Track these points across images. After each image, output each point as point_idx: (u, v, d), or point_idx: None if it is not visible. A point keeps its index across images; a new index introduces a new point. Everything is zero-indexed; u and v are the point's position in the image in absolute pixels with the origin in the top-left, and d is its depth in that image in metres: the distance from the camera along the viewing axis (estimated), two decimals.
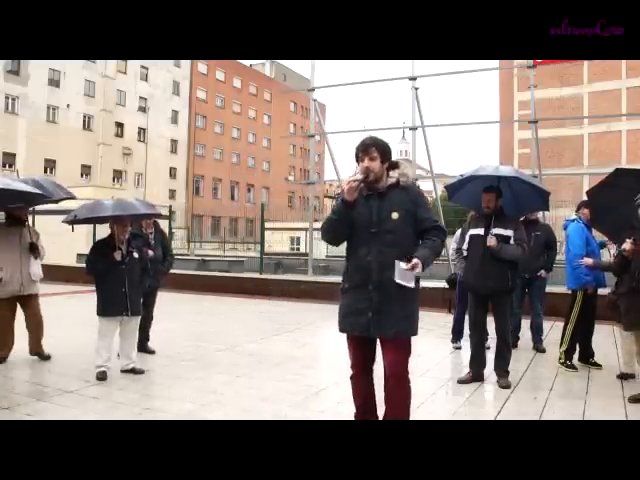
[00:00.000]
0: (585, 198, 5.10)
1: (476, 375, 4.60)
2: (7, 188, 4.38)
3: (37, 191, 4.65)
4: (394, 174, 2.86)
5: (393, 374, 2.84)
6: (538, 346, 5.91)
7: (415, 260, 2.63)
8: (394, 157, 2.96)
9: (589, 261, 4.83)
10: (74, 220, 4.75)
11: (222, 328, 7.40)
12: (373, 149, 2.80)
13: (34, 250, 5.13)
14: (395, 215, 2.78)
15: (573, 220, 5.18)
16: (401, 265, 2.63)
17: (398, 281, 2.64)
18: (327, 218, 2.88)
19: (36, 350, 5.22)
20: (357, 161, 2.84)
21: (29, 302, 5.21)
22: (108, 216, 4.71)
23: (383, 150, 2.83)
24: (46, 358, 5.20)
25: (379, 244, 2.75)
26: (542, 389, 4.42)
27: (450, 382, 4.70)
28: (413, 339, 2.90)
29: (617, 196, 4.34)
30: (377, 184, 2.83)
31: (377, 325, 2.76)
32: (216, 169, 48.65)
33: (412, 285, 2.67)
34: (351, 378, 2.99)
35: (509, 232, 4.48)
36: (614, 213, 4.47)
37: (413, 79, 11.17)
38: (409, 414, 2.92)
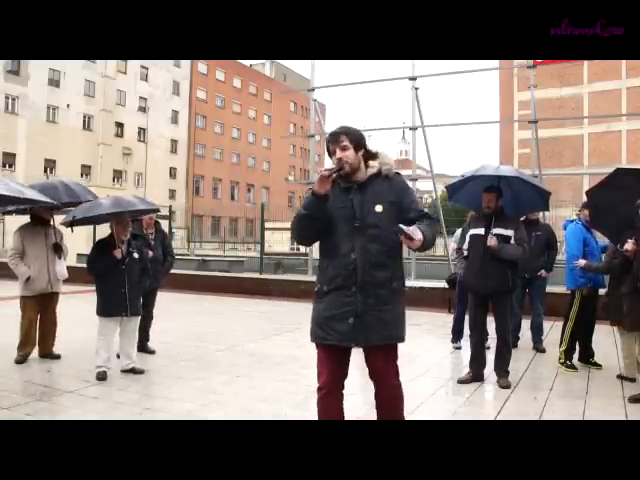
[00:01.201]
0: (585, 199, 5.10)
1: (476, 375, 4.60)
2: (17, 196, 4.39)
3: (45, 199, 4.66)
4: (374, 164, 2.58)
5: (384, 385, 2.59)
6: (538, 346, 5.91)
7: (413, 227, 2.36)
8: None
9: (581, 262, 4.86)
10: (73, 221, 4.77)
11: (222, 328, 7.40)
12: (343, 137, 2.50)
13: (57, 250, 5.23)
14: (379, 208, 2.49)
15: (572, 221, 5.20)
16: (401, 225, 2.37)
17: (402, 226, 2.35)
18: (296, 214, 2.55)
19: (49, 351, 5.26)
20: (330, 156, 2.55)
21: (51, 301, 5.30)
22: (106, 214, 4.71)
23: (355, 138, 2.52)
24: (57, 357, 5.24)
25: (363, 239, 2.46)
26: (542, 389, 4.42)
27: (450, 382, 4.70)
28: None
29: (617, 196, 4.33)
30: (355, 175, 2.54)
31: (360, 332, 2.45)
32: (216, 169, 48.67)
33: (419, 237, 2.33)
34: (320, 399, 2.59)
35: (509, 232, 4.49)
36: (614, 213, 4.47)
37: (413, 79, 11.18)
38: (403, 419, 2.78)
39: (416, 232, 2.35)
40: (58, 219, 5.29)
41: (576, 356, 5.17)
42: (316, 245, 2.70)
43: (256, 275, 12.15)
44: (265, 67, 57.88)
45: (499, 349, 4.60)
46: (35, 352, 5.22)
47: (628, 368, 4.67)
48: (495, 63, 29.74)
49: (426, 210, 2.60)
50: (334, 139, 2.52)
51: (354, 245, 2.47)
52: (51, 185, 5.45)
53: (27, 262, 5.09)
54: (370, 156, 2.60)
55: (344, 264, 2.47)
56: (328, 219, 2.50)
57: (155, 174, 42.29)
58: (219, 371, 4.96)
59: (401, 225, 2.36)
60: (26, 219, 5.38)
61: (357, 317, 2.45)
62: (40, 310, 5.22)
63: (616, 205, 4.39)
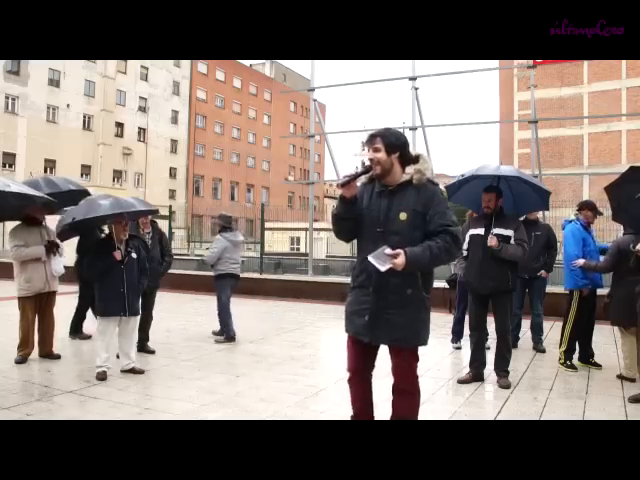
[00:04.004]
0: (585, 198, 5.09)
1: (476, 375, 4.60)
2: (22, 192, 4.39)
3: (39, 194, 4.66)
4: (410, 170, 2.63)
5: (398, 384, 2.77)
6: (538, 346, 5.92)
7: (399, 250, 2.46)
8: None
9: (580, 262, 4.85)
10: (72, 223, 4.63)
11: None
12: (377, 139, 2.60)
13: (52, 248, 5.20)
14: (403, 216, 2.58)
15: (571, 221, 5.19)
16: (386, 250, 2.48)
17: (369, 258, 2.48)
18: (332, 212, 2.75)
19: (49, 351, 5.26)
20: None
21: (49, 300, 5.31)
22: (106, 215, 4.65)
23: (389, 141, 2.60)
24: (57, 357, 5.24)
25: (384, 245, 2.53)
26: (542, 389, 4.42)
27: (450, 382, 4.70)
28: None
29: (635, 189, 4.24)
30: (387, 179, 2.63)
31: (372, 331, 2.64)
32: (216, 169, 48.62)
33: (383, 269, 2.44)
34: (349, 381, 2.87)
35: (509, 232, 4.48)
36: (634, 205, 4.36)
37: (413, 79, 11.19)
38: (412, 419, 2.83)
39: (397, 254, 2.45)
40: (50, 220, 5.30)
41: (576, 356, 5.17)
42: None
43: (256, 275, 12.14)
44: (265, 67, 57.82)
45: (499, 349, 4.60)
46: (35, 352, 5.22)
47: (628, 368, 4.67)
48: (495, 63, 29.80)
49: (449, 224, 2.57)
50: (369, 139, 2.64)
51: (376, 249, 2.55)
52: (33, 181, 5.57)
53: (24, 263, 5.06)
54: (408, 160, 2.65)
55: (365, 265, 2.61)
56: (360, 221, 2.67)
57: (155, 174, 42.25)
58: (219, 371, 4.96)
59: (385, 247, 2.48)
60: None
61: (371, 316, 2.63)
62: (38, 310, 5.22)
63: (634, 198, 4.30)
